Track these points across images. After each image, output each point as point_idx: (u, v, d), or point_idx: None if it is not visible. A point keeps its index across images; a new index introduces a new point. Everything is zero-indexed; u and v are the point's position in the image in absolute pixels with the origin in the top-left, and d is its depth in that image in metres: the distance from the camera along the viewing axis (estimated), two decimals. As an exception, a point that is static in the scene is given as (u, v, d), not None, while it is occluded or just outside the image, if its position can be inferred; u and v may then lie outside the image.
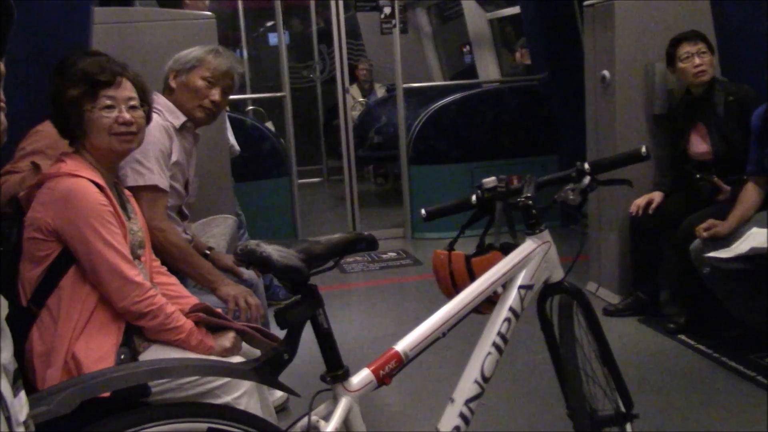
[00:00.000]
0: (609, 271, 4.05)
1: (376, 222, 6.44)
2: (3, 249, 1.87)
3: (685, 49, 3.51)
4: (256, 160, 5.29)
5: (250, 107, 7.35)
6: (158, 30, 3.29)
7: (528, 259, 1.85)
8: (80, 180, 1.85)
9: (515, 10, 6.87)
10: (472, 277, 1.84)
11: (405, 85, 5.94)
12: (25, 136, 2.44)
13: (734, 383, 2.97)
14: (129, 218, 2.00)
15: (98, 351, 1.79)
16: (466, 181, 5.62)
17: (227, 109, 3.70)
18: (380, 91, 8.32)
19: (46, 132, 2.34)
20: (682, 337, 3.44)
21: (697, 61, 3.47)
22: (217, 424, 1.46)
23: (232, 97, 2.77)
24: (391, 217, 6.52)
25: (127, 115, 1.95)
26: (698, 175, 3.50)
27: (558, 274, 1.95)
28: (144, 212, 2.20)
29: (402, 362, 1.63)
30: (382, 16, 5.91)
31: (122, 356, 1.82)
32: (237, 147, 3.83)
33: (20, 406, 0.93)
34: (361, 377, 1.59)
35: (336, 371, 1.56)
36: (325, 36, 8.06)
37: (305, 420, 1.51)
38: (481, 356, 1.75)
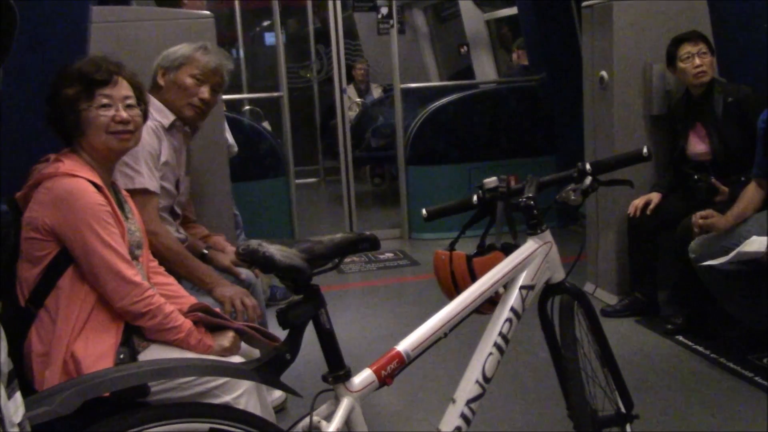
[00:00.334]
0: (607, 271, 4.05)
1: (373, 222, 6.44)
2: (1, 249, 1.86)
3: (686, 49, 3.51)
4: (253, 160, 5.28)
5: (247, 107, 7.34)
6: (156, 29, 3.27)
7: (529, 260, 1.85)
8: (78, 180, 1.84)
9: (512, 10, 6.88)
10: (474, 278, 1.84)
11: (402, 86, 5.93)
12: None
13: (732, 384, 2.97)
14: (127, 218, 2.00)
15: (97, 351, 1.78)
16: (464, 182, 5.62)
17: (224, 109, 3.69)
18: (377, 92, 8.32)
19: None
20: (680, 337, 3.44)
21: (697, 61, 3.48)
22: (219, 424, 1.45)
23: (229, 96, 2.76)
24: (388, 217, 6.52)
25: (124, 114, 1.95)
26: (696, 176, 3.50)
27: (559, 275, 1.95)
28: None
29: (404, 362, 1.62)
30: (380, 16, 5.92)
31: (121, 356, 1.82)
32: (236, 147, 3.82)
33: (15, 407, 0.92)
34: (362, 377, 1.58)
35: (338, 371, 1.55)
36: (323, 36, 8.06)
37: (307, 420, 1.50)
38: (483, 357, 1.74)
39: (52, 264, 1.83)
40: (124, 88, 1.97)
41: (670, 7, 3.84)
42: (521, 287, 1.82)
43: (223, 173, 3.43)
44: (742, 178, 3.27)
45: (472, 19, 7.92)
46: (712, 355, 3.22)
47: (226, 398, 1.80)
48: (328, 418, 1.53)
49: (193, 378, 1.76)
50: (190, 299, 2.10)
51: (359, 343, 3.59)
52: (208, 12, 3.50)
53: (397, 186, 6.09)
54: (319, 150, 9.15)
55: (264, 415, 1.85)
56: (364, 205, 7.27)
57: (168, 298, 1.97)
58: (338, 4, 5.83)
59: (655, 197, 3.61)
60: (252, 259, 1.48)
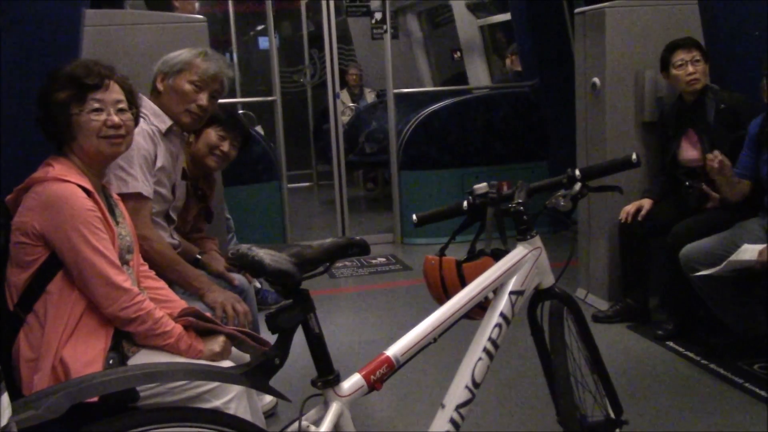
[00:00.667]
0: (598, 277, 4.06)
1: (366, 227, 6.44)
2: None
3: (680, 56, 3.52)
4: (246, 164, 5.26)
5: (240, 111, 7.32)
6: (149, 33, 3.27)
7: (519, 265, 1.86)
8: (68, 185, 1.83)
9: (506, 16, 6.90)
10: (463, 283, 1.84)
11: (395, 91, 5.94)
12: None
13: (722, 390, 2.98)
14: (117, 223, 1.99)
15: (87, 356, 1.77)
16: (456, 187, 5.62)
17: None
18: (370, 96, 8.33)
19: None
20: (671, 343, 3.45)
21: (690, 69, 3.49)
22: (208, 429, 1.45)
23: (222, 101, 2.74)
24: (380, 222, 6.52)
25: (115, 118, 1.94)
26: (687, 183, 3.51)
27: (549, 280, 1.95)
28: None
29: (393, 367, 1.62)
30: (373, 21, 5.92)
31: (111, 361, 1.81)
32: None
33: (1, 409, 0.92)
34: (352, 382, 1.58)
35: (327, 376, 1.55)
36: (316, 40, 8.06)
37: (296, 425, 1.50)
38: (472, 362, 1.75)
39: (42, 269, 1.82)
40: (115, 92, 1.97)
41: (662, 14, 3.86)
42: (511, 292, 1.83)
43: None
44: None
45: (466, 24, 7.93)
46: (702, 361, 3.23)
47: (215, 403, 1.79)
48: (318, 422, 1.53)
49: (182, 383, 1.75)
50: (180, 303, 2.10)
51: (349, 348, 3.59)
52: (201, 16, 3.50)
53: (390, 191, 6.10)
54: (312, 154, 9.15)
55: (254, 420, 1.84)
56: (357, 209, 7.27)
57: (158, 302, 1.97)
58: (332, 8, 5.84)
59: (646, 203, 3.62)
60: (241, 263, 1.49)
